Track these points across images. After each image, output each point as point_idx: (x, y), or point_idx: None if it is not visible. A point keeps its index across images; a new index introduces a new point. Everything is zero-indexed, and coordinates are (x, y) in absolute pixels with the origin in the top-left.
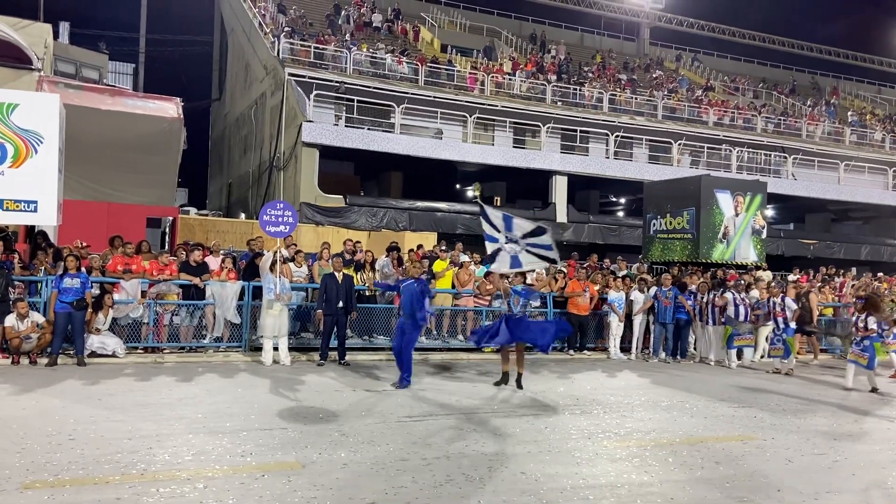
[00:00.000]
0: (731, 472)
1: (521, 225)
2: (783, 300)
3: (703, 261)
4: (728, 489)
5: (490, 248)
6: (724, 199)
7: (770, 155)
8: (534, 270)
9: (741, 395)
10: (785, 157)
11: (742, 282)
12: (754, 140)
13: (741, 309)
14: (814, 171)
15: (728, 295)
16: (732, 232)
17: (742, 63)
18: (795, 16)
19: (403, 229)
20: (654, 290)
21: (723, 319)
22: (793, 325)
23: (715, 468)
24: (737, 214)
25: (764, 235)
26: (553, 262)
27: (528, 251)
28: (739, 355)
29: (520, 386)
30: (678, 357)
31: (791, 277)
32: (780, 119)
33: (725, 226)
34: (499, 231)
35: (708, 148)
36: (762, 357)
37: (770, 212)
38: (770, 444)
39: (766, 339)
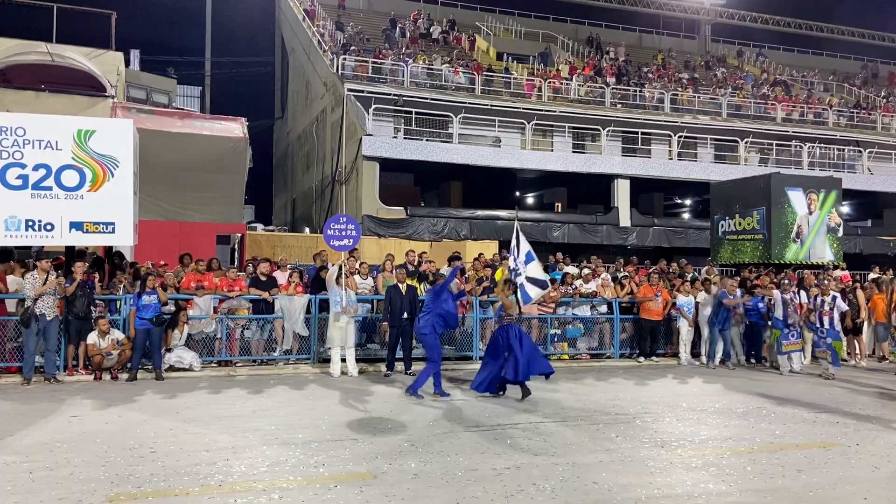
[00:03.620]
0: (813, 480)
1: (534, 267)
2: (834, 300)
3: (776, 261)
4: (811, 499)
5: (510, 272)
6: (796, 197)
7: (843, 149)
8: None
9: (820, 399)
10: (860, 151)
11: (787, 281)
12: (826, 135)
13: (790, 310)
14: (891, 165)
15: (776, 294)
16: (806, 231)
17: (810, 56)
18: (864, 5)
19: (464, 238)
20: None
21: (770, 322)
22: (838, 326)
23: (797, 476)
24: (810, 213)
25: (840, 234)
26: (546, 287)
27: (529, 281)
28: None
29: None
30: (752, 361)
31: (871, 276)
32: (852, 112)
33: (798, 225)
34: (516, 262)
35: (777, 145)
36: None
37: (846, 209)
38: (854, 450)
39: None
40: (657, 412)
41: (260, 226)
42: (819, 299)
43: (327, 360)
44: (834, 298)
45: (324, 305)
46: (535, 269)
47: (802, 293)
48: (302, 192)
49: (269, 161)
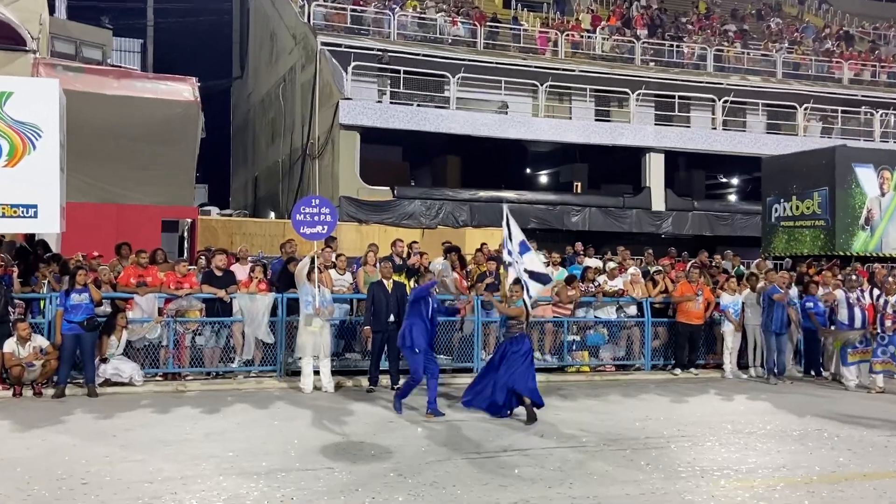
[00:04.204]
0: None
1: (532, 259)
2: None
3: (841, 253)
4: None
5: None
6: (866, 176)
7: None
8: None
9: (895, 419)
10: None
11: (855, 277)
12: None
13: (857, 312)
14: None
15: (839, 294)
16: (878, 216)
17: (884, 3)
18: None
19: (463, 225)
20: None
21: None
22: None
23: None
24: (882, 194)
25: None
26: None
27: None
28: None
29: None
30: (811, 374)
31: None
32: None
33: (868, 209)
34: (510, 253)
35: (843, 112)
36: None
37: None
38: None
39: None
40: (696, 435)
41: (215, 209)
42: (882, 300)
43: (297, 373)
44: None
45: (293, 306)
46: (534, 261)
47: (875, 291)
48: (266, 168)
49: (226, 131)
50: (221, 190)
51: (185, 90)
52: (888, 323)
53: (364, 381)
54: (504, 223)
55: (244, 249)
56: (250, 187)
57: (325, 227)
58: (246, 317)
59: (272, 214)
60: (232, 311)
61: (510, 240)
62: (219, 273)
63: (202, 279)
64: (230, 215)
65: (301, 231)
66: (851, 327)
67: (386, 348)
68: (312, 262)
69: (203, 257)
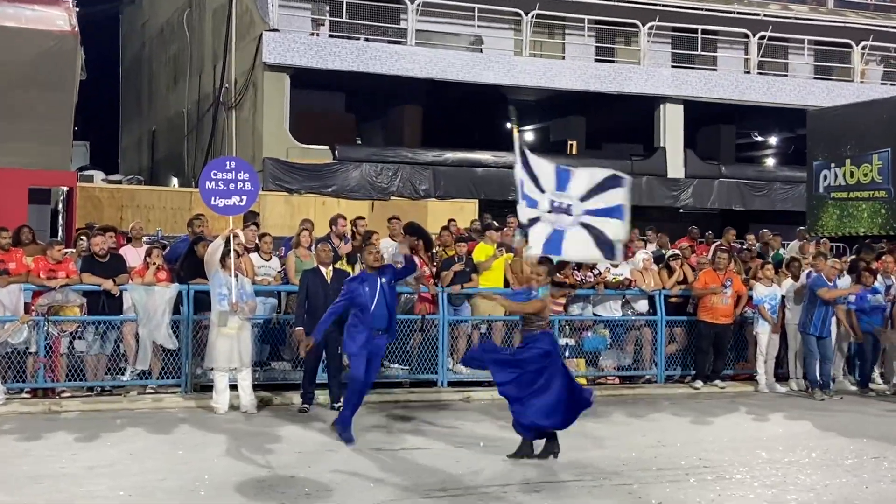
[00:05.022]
0: None
1: (582, 180)
2: None
3: None
4: None
5: (526, 213)
6: None
7: None
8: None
9: None
10: None
11: None
12: None
13: None
14: None
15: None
16: None
17: None
18: None
19: (425, 196)
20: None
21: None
22: None
23: None
24: None
25: None
26: (611, 255)
27: (584, 225)
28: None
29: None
30: (869, 386)
31: None
32: None
33: None
34: (542, 191)
35: None
36: None
37: None
38: None
39: None
40: (722, 466)
41: (99, 174)
42: None
43: (208, 388)
44: None
45: (202, 301)
46: (602, 198)
47: None
48: (166, 120)
49: (114, 71)
50: (108, 149)
51: (58, 17)
52: None
53: (296, 398)
54: (517, 154)
55: (138, 227)
56: (146, 145)
57: (244, 197)
58: (140, 315)
59: (175, 181)
60: (122, 307)
61: (532, 177)
62: (104, 258)
63: (82, 266)
64: (119, 182)
65: (212, 203)
66: None
67: (324, 355)
68: (227, 243)
69: (84, 237)
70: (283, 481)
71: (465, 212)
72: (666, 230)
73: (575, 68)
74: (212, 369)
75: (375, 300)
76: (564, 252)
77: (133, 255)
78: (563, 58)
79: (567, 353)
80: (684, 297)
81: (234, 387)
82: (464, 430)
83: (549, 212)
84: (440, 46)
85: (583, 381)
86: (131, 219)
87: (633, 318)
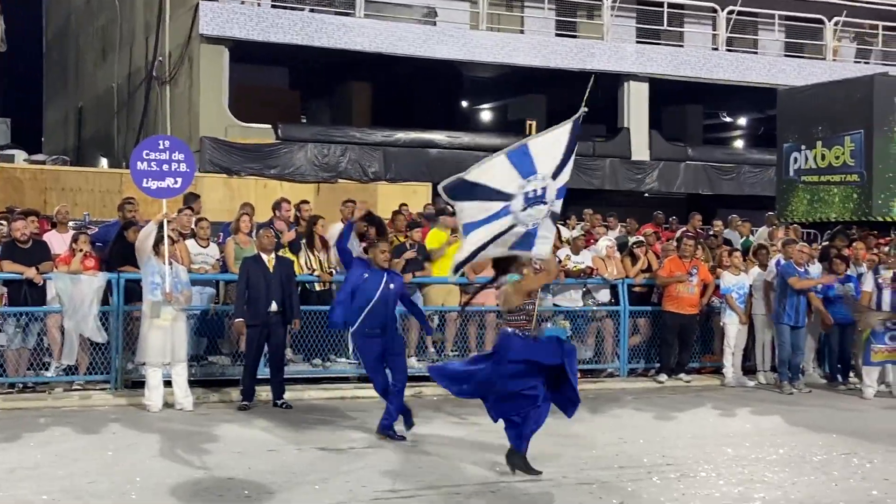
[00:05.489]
0: None
1: (546, 154)
2: None
3: (879, 218)
4: None
5: (481, 209)
6: None
7: None
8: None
9: None
10: None
11: (891, 249)
12: None
13: (886, 296)
14: None
15: (865, 271)
16: None
17: None
18: None
19: (375, 179)
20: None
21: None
22: None
23: None
24: None
25: None
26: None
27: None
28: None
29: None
30: (839, 379)
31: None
32: None
33: None
34: (509, 197)
35: (884, 29)
36: None
37: None
38: None
39: None
40: (686, 463)
41: (21, 154)
42: None
43: (140, 384)
44: None
45: (133, 291)
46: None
47: None
48: (95, 96)
49: (37, 43)
50: (31, 126)
51: None
52: None
53: (235, 394)
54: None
55: (63, 211)
56: (72, 123)
57: (179, 179)
58: (66, 306)
59: (104, 161)
60: (46, 297)
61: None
62: (26, 244)
63: (1, 253)
64: (43, 162)
65: (144, 185)
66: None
67: (266, 349)
68: (161, 228)
69: (3, 222)
70: (221, 483)
71: (418, 195)
72: (630, 215)
73: (534, 43)
74: (144, 364)
75: (375, 299)
76: (537, 246)
77: (58, 242)
78: (522, 32)
79: None
80: (648, 287)
81: (168, 383)
82: (415, 428)
83: (524, 209)
84: (391, 19)
85: None
86: (56, 202)
87: (594, 308)
